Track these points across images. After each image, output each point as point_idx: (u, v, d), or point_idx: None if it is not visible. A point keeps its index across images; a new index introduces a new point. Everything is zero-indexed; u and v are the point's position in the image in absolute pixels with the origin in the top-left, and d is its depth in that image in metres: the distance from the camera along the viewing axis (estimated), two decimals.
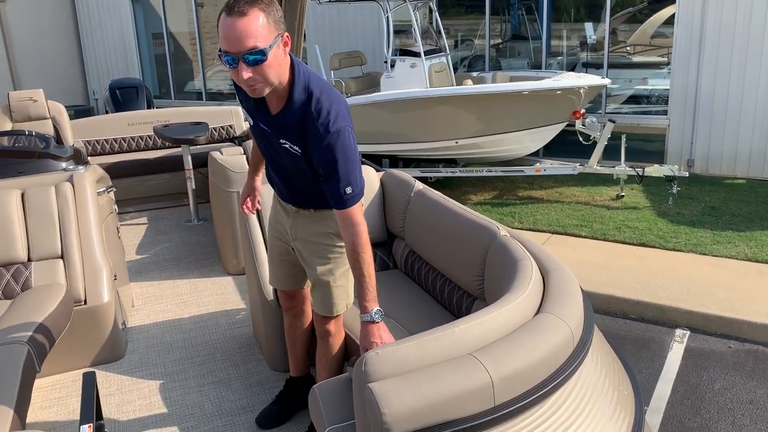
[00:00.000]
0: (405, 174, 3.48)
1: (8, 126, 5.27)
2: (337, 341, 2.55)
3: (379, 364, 1.70)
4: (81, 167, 3.77)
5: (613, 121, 6.95)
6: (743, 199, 6.93)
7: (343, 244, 2.31)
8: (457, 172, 7.67)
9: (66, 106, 6.01)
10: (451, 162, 8.16)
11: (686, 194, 6.99)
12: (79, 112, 12.39)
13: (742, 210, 6.53)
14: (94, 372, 2.05)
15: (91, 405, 1.86)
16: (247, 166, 4.17)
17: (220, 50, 1.93)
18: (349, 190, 2.12)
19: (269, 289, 3.05)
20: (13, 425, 2.00)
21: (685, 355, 4.11)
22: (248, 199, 2.70)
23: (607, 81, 7.17)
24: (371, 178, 3.43)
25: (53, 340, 2.72)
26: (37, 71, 13.30)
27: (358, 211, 2.17)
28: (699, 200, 6.90)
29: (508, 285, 2.17)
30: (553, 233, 6.12)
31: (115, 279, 3.39)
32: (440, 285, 2.96)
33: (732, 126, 7.81)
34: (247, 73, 1.90)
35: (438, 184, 7.72)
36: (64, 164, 3.76)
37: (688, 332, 4.39)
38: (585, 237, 5.99)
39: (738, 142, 7.79)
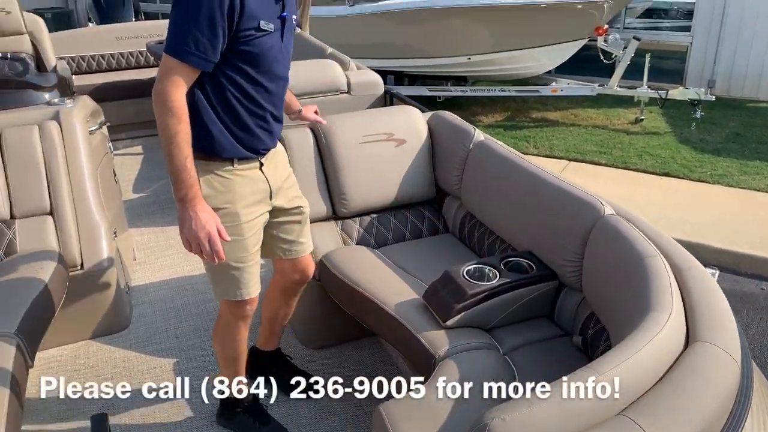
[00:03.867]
0: (457, 118, 2.84)
1: None
2: None
3: None
4: (68, 100, 3.13)
5: (638, 39, 6.48)
6: None
7: None
8: (468, 91, 7.23)
9: (41, 9, 5.25)
10: (460, 80, 7.69)
11: (708, 119, 6.63)
12: (56, 15, 11.45)
13: None
14: (105, 414, 1.63)
15: None
16: None
17: None
18: None
19: None
20: None
21: None
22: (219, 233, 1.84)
23: None
24: (416, 121, 2.81)
25: (47, 322, 2.30)
26: None
27: None
28: (722, 126, 6.56)
29: (640, 296, 1.61)
30: (571, 160, 5.81)
31: (115, 236, 2.92)
32: None
33: (760, 45, 7.34)
34: None
35: (446, 103, 7.27)
36: (47, 95, 3.16)
37: (717, 272, 4.17)
38: (605, 165, 5.69)
39: (764, 63, 7.36)
